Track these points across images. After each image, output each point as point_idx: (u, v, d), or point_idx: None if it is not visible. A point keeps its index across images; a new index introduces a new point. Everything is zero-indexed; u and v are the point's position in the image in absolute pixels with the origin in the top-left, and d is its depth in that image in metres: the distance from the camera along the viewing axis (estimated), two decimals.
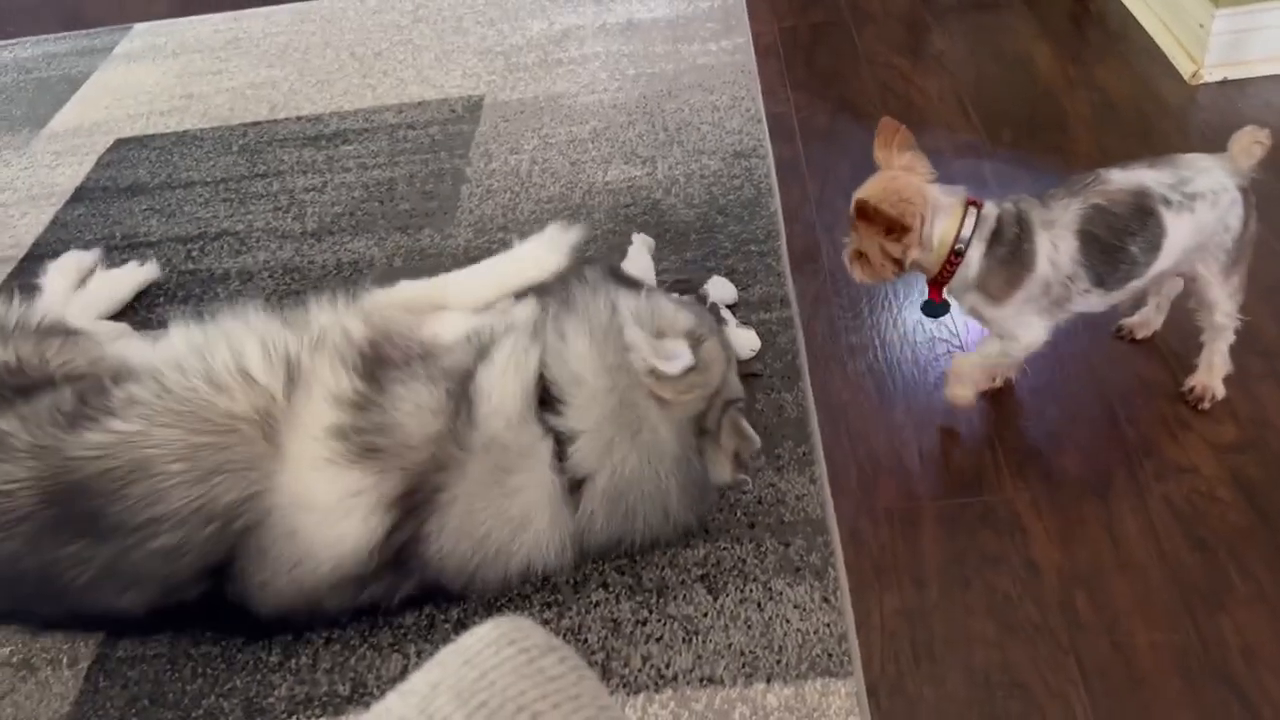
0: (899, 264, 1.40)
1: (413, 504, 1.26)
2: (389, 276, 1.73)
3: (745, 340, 1.70)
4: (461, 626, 1.37)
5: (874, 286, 1.79)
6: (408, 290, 1.58)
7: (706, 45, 2.63)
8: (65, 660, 1.41)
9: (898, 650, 1.31)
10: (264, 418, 1.27)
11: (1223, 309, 1.48)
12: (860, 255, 1.44)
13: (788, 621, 1.33)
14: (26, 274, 2.10)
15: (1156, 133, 2.12)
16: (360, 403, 1.29)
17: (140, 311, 1.99)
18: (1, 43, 3.25)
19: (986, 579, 1.37)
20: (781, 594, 1.36)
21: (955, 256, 1.38)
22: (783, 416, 1.60)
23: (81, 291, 1.95)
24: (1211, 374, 1.54)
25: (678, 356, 1.29)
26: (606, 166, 2.22)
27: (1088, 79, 2.32)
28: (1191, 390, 1.55)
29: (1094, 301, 1.44)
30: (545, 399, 1.32)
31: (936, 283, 1.43)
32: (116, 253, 2.16)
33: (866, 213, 1.35)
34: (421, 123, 2.48)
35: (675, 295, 1.50)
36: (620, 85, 2.51)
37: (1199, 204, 1.37)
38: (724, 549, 1.43)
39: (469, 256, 2.01)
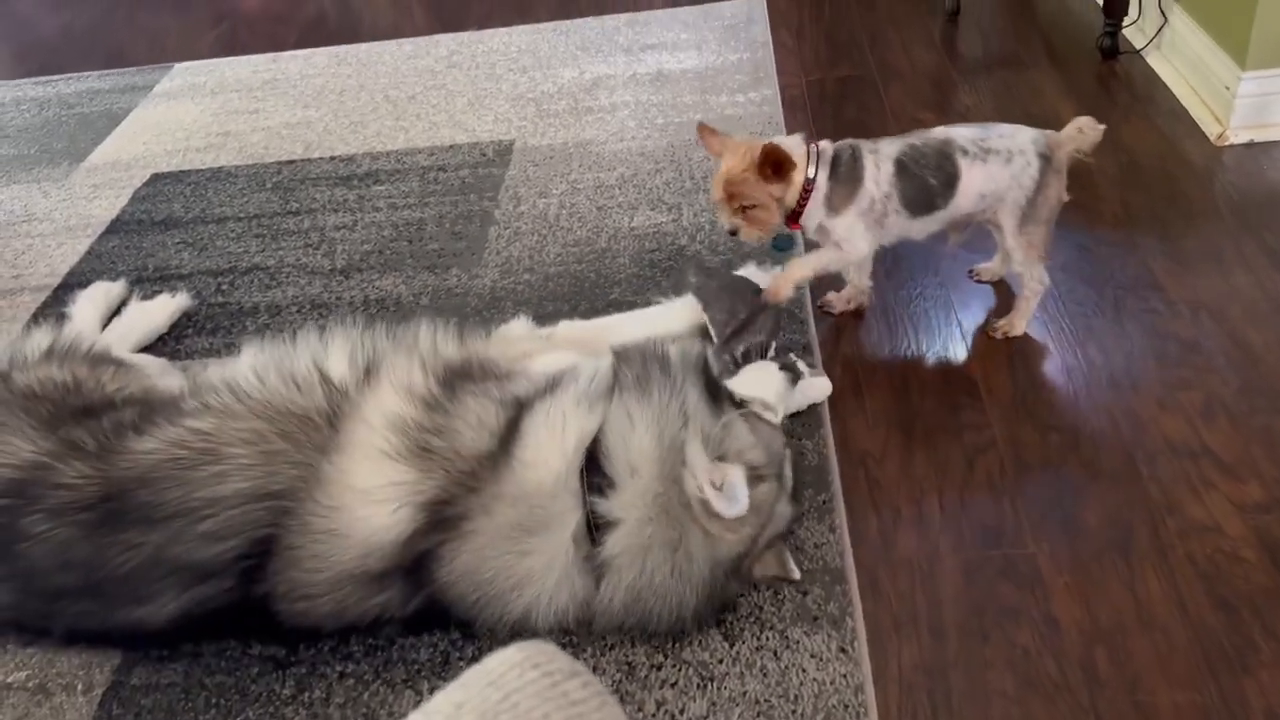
0: (779, 204, 1.67)
1: (442, 515, 1.27)
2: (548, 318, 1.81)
3: (819, 388, 1.69)
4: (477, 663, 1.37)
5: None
6: (564, 329, 1.69)
7: (734, 96, 2.66)
8: (80, 686, 1.41)
9: (915, 704, 1.29)
10: (334, 408, 1.31)
11: (1017, 257, 1.74)
12: (746, 215, 1.67)
13: (804, 671, 1.32)
14: (60, 303, 2.14)
15: (1181, 192, 2.12)
16: (430, 402, 1.32)
17: (169, 343, 2.02)
18: (47, 79, 3.34)
19: (1006, 633, 1.35)
20: (798, 643, 1.35)
21: (809, 184, 1.66)
22: (803, 463, 1.60)
23: (117, 322, 1.98)
24: (1014, 317, 1.81)
25: (735, 500, 1.25)
26: (633, 212, 2.25)
27: (1114, 139, 2.32)
28: (993, 323, 1.82)
29: (907, 225, 1.71)
30: (590, 464, 1.30)
31: (795, 214, 1.69)
32: (148, 284, 2.20)
33: (771, 155, 1.61)
34: (452, 165, 2.52)
35: (754, 423, 1.41)
36: (649, 134, 2.54)
37: (992, 159, 1.65)
38: (741, 596, 1.42)
39: (494, 297, 2.03)
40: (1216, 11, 2.33)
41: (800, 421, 1.67)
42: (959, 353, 1.80)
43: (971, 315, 1.88)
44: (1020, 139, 1.67)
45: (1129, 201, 2.12)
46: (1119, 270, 1.93)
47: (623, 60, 2.94)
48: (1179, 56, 2.49)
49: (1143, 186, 2.16)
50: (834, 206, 1.68)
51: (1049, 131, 1.69)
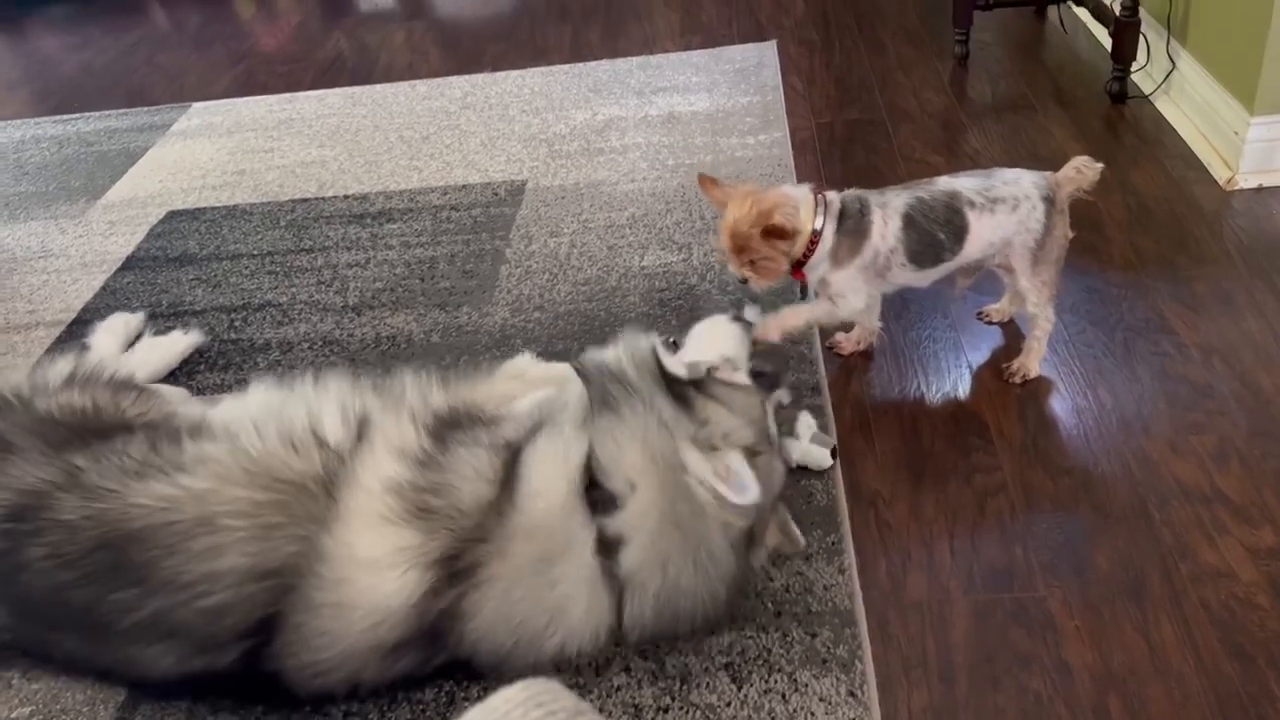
0: (786, 256, 1.66)
1: (454, 569, 1.26)
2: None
3: (816, 458, 1.66)
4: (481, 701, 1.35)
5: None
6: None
7: (745, 139, 2.69)
8: None
9: None
10: (329, 474, 1.30)
11: (1031, 299, 1.75)
12: (754, 266, 1.66)
13: (813, 715, 1.30)
14: (74, 337, 2.16)
15: (1191, 236, 2.13)
16: (424, 460, 1.31)
17: (181, 379, 2.03)
18: (67, 117, 3.39)
19: (1017, 678, 1.34)
20: (807, 686, 1.34)
21: (815, 236, 1.65)
22: (812, 504, 1.60)
23: (130, 355, 2.00)
24: (1028, 358, 1.80)
25: (745, 488, 1.27)
26: (643, 252, 2.26)
27: (1123, 182, 2.34)
28: (1009, 368, 1.81)
29: (910, 276, 1.72)
30: (590, 485, 1.31)
31: (800, 264, 1.68)
32: (162, 320, 2.21)
33: (774, 231, 1.61)
34: (465, 204, 2.54)
35: (732, 381, 1.42)
36: (659, 175, 2.56)
37: (999, 208, 1.66)
38: (749, 637, 1.41)
39: (505, 335, 2.04)
40: (1224, 57, 2.35)
41: None
42: (969, 394, 1.80)
43: (981, 357, 1.88)
44: (1024, 184, 1.68)
45: (1139, 245, 2.12)
46: (1129, 313, 1.93)
47: (634, 102, 2.97)
48: (1187, 101, 2.50)
49: (1152, 230, 2.16)
50: (838, 260, 1.68)
51: (1048, 173, 1.71)
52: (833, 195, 1.68)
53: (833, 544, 1.53)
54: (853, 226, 1.66)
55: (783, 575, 1.48)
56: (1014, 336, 1.90)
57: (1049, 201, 1.68)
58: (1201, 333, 1.86)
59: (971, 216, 1.66)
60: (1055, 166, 1.72)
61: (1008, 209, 1.66)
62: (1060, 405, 1.75)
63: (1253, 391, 1.73)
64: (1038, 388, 1.78)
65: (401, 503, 1.28)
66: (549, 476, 1.31)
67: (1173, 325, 1.89)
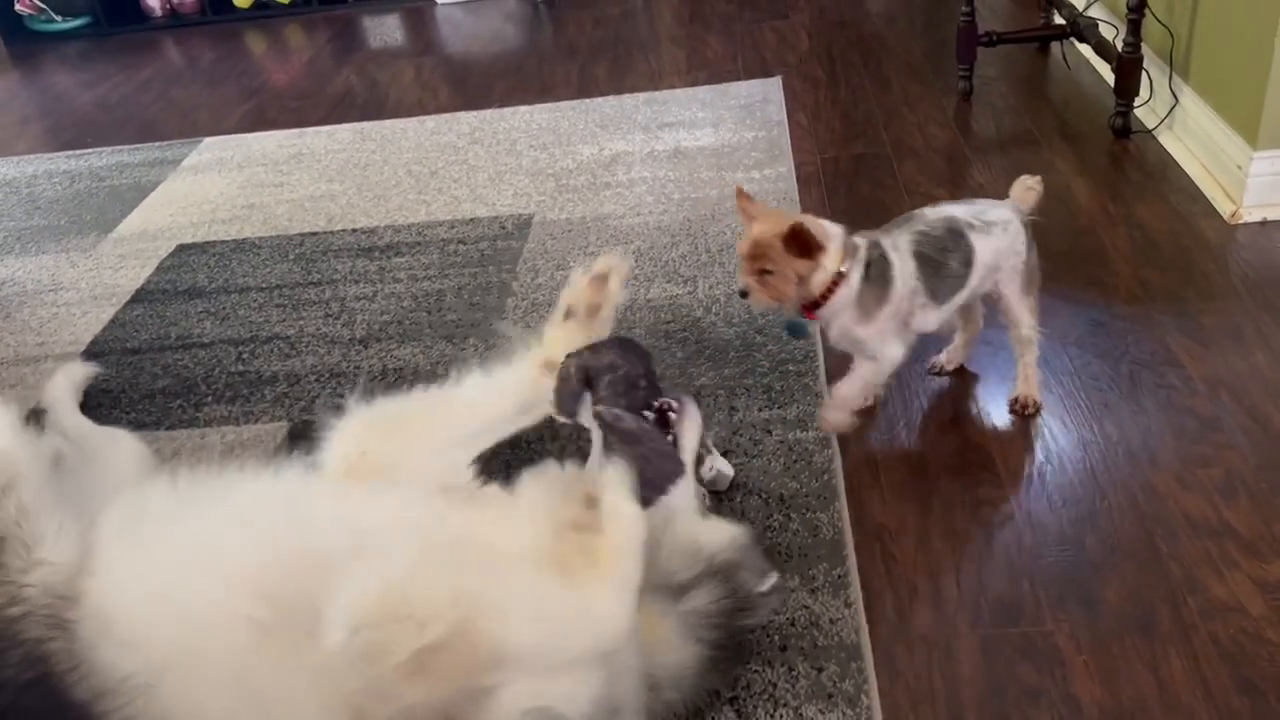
0: (801, 284, 1.59)
1: None
2: None
3: (724, 475, 1.66)
4: None
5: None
6: None
7: (750, 173, 2.70)
8: None
9: None
10: None
11: (1025, 323, 1.76)
12: (762, 280, 1.58)
13: None
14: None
15: (1197, 269, 2.13)
16: None
17: (189, 410, 2.04)
18: (80, 152, 3.43)
19: (1025, 713, 1.32)
20: None
21: (838, 279, 1.59)
22: (818, 537, 1.59)
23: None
24: (1029, 385, 1.80)
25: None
26: (649, 285, 2.27)
27: (1127, 215, 2.35)
28: (1016, 401, 1.80)
29: (931, 318, 1.68)
30: None
31: (815, 304, 1.62)
32: (170, 352, 2.23)
33: (798, 235, 1.54)
34: (472, 238, 2.56)
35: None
36: (665, 208, 2.58)
37: (995, 230, 1.68)
38: (755, 671, 1.40)
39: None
40: (1227, 92, 2.37)
41: (816, 495, 1.67)
42: (975, 428, 1.80)
43: (988, 390, 1.88)
44: (1002, 211, 1.71)
45: (1144, 278, 2.12)
46: (1135, 346, 1.93)
47: (641, 137, 3.00)
48: (1191, 136, 2.52)
49: (1158, 263, 2.17)
50: (866, 311, 1.62)
51: (1009, 199, 1.75)
52: (860, 240, 1.62)
53: (839, 577, 1.52)
54: (877, 274, 1.61)
55: (789, 609, 1.47)
56: (1006, 367, 1.90)
57: (1027, 226, 1.72)
58: (1208, 366, 1.86)
59: (974, 239, 1.66)
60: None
61: (1000, 231, 1.68)
62: (1066, 438, 1.74)
63: (1260, 424, 1.72)
64: (1043, 421, 1.78)
65: None
66: None
67: (1179, 358, 1.89)
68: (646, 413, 1.43)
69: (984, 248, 1.67)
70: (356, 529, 1.22)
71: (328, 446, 1.42)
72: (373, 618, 1.08)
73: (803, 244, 1.55)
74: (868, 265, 1.61)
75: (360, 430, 1.43)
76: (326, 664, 1.08)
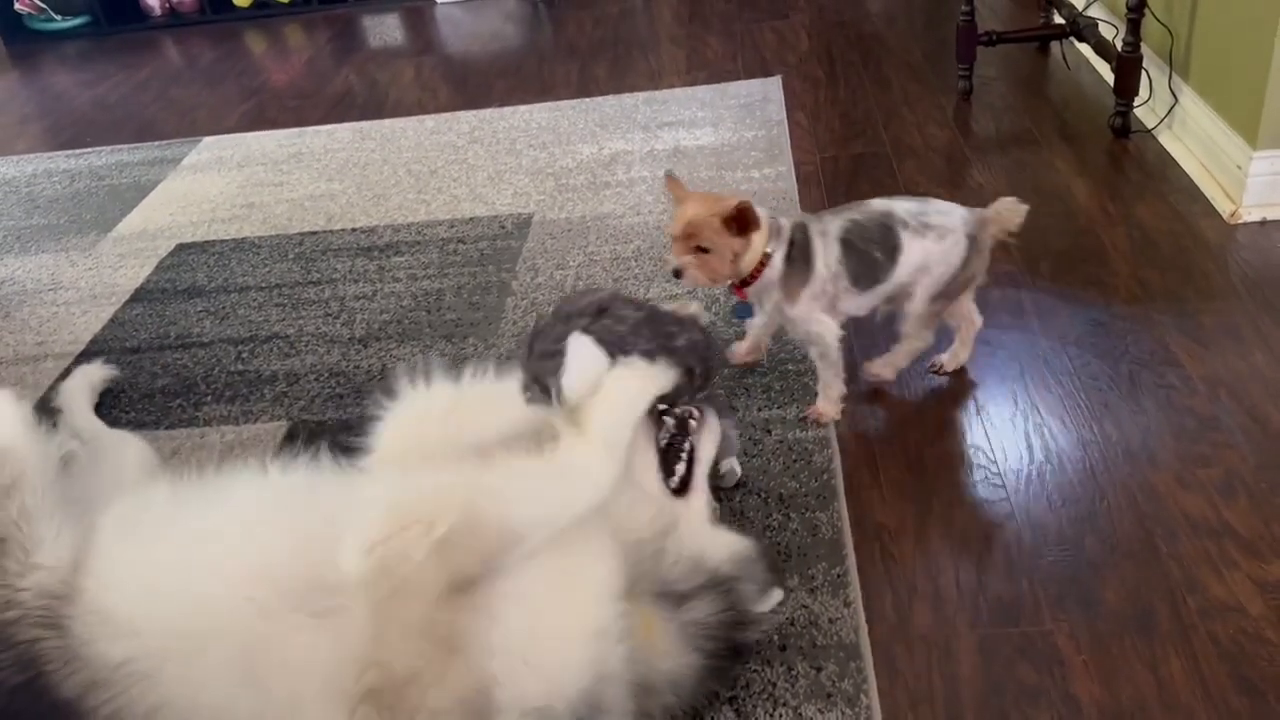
0: (735, 260, 1.65)
1: None
2: None
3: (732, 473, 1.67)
4: None
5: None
6: None
7: (749, 172, 2.70)
8: None
9: None
10: None
11: (914, 325, 1.79)
12: (698, 257, 1.64)
13: None
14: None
15: (1196, 269, 2.13)
16: None
17: (188, 410, 2.04)
18: (79, 152, 3.43)
19: (1025, 713, 1.32)
20: None
21: (765, 259, 1.67)
22: (817, 537, 1.59)
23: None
24: (896, 358, 1.86)
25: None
26: (649, 284, 2.27)
27: (1127, 215, 2.35)
28: (937, 362, 1.91)
29: (856, 302, 1.74)
30: None
31: (744, 284, 1.70)
32: (169, 352, 2.23)
33: (743, 213, 1.61)
34: (471, 237, 2.56)
35: None
36: (665, 208, 2.58)
37: (930, 234, 1.70)
38: (754, 670, 1.40)
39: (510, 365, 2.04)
40: (1226, 92, 2.37)
41: (815, 494, 1.67)
42: (975, 428, 1.80)
43: (987, 390, 1.88)
44: (954, 218, 1.72)
45: (1144, 277, 2.12)
46: (1134, 345, 1.93)
47: (640, 137, 3.00)
48: (1190, 136, 2.52)
49: (1157, 263, 2.17)
50: (790, 291, 1.70)
51: (980, 210, 1.75)
52: (784, 222, 1.70)
53: (838, 576, 1.52)
54: (799, 256, 1.68)
55: (788, 608, 1.47)
56: (1027, 361, 1.90)
57: (972, 240, 1.72)
58: (1208, 365, 1.86)
59: (905, 237, 1.69)
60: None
61: (936, 237, 1.70)
62: (1065, 438, 1.74)
63: (1260, 424, 1.72)
64: (1043, 421, 1.78)
65: None
66: None
67: (1178, 358, 1.89)
68: (666, 419, 1.43)
69: (914, 247, 1.70)
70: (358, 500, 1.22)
71: (380, 430, 1.38)
72: (383, 533, 1.12)
73: (744, 222, 1.62)
74: (791, 244, 1.68)
75: (418, 414, 1.40)
76: (334, 629, 1.11)
